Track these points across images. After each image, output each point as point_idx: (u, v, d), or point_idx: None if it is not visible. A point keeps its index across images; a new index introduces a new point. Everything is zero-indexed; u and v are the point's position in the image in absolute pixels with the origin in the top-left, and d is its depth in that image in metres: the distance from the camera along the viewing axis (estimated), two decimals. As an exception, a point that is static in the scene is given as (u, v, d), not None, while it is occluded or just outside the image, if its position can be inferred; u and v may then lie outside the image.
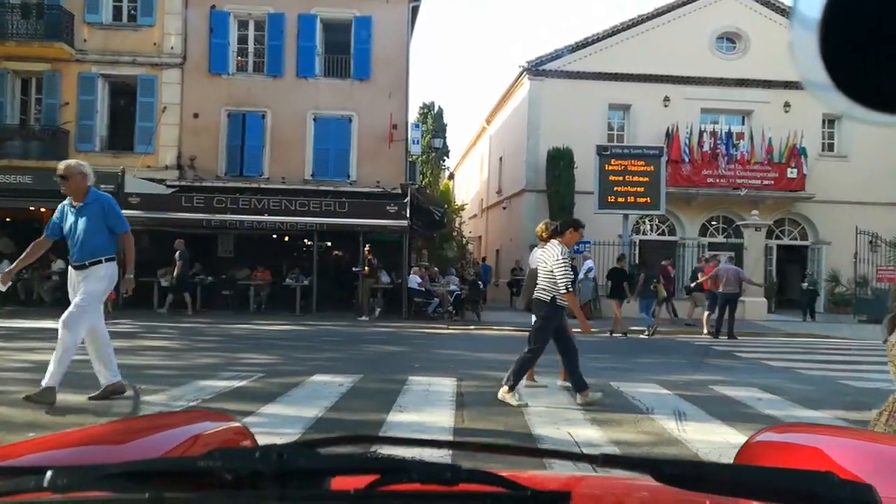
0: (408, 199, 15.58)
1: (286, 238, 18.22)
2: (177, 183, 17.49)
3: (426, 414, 5.16)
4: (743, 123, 20.98)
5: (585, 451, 4.08)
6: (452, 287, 16.53)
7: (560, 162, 19.41)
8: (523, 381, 5.98)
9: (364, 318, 14.65)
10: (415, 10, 19.00)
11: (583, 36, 21.07)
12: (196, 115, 17.95)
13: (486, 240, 30.09)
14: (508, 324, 14.44)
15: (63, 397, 5.00)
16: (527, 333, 6.24)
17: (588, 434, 4.69)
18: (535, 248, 6.61)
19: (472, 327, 13.99)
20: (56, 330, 5.03)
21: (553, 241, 5.85)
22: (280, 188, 17.47)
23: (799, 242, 21.39)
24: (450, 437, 4.40)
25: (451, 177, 40.90)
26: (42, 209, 16.85)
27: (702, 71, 20.35)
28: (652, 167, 17.33)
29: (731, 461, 1.38)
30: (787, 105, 20.00)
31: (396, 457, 0.71)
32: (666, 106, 20.38)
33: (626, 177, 17.28)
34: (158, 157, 17.89)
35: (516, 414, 5.25)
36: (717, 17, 20.68)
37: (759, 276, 16.41)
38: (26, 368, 6.61)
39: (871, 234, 19.08)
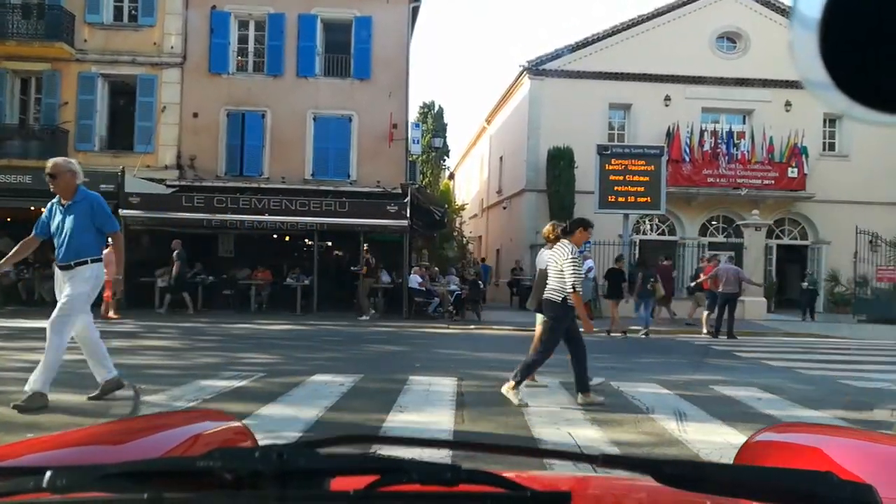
0: (408, 198, 15.57)
1: (287, 238, 18.21)
2: (177, 183, 17.49)
3: (426, 414, 5.16)
4: (744, 123, 20.97)
5: (586, 451, 4.08)
6: (453, 287, 16.53)
7: (560, 161, 19.41)
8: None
9: (365, 317, 14.65)
10: (415, 10, 18.99)
11: (583, 35, 21.08)
12: (196, 115, 17.95)
13: (486, 240, 30.09)
14: (508, 323, 14.47)
15: (62, 397, 5.00)
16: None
17: (588, 434, 4.68)
18: (542, 250, 6.62)
19: (472, 327, 13.99)
20: None
21: (563, 240, 5.86)
22: (280, 188, 17.46)
23: (799, 242, 21.39)
24: (450, 438, 4.40)
25: (452, 177, 40.89)
26: (42, 209, 16.87)
27: (702, 70, 20.35)
28: (652, 167, 17.33)
29: (731, 461, 1.37)
30: (787, 104, 20.00)
31: (396, 457, 0.71)
32: (667, 105, 20.38)
33: (627, 176, 17.27)
34: (158, 157, 17.89)
35: (516, 414, 5.24)
36: (718, 17, 20.68)
37: (758, 276, 16.41)
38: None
39: (871, 234, 19.07)
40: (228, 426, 1.37)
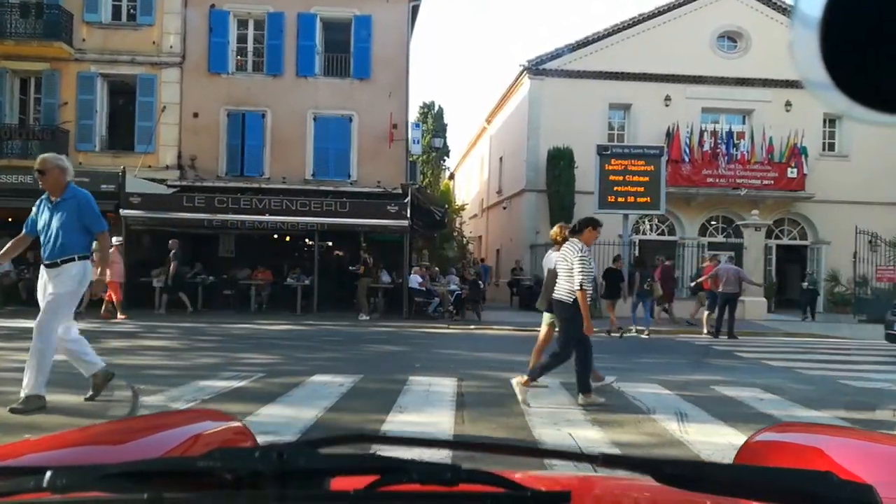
0: (408, 198, 15.56)
1: (287, 238, 18.21)
2: (177, 183, 17.48)
3: (426, 414, 5.14)
4: (744, 123, 20.96)
5: (586, 451, 4.06)
6: (453, 287, 16.51)
7: (560, 162, 19.40)
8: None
9: (365, 317, 14.64)
10: (415, 10, 18.96)
11: (583, 35, 21.06)
12: (196, 115, 17.93)
13: (486, 240, 30.08)
14: (509, 323, 14.45)
15: (60, 398, 4.98)
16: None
17: (589, 435, 4.67)
18: (550, 251, 6.62)
19: (472, 327, 13.98)
20: None
21: (572, 239, 5.88)
22: (280, 188, 17.45)
23: (799, 242, 21.37)
24: (450, 438, 4.39)
25: (452, 177, 40.88)
26: (42, 209, 16.86)
27: (703, 70, 20.33)
28: (652, 167, 17.31)
29: (731, 462, 1.38)
30: (788, 104, 19.99)
31: (396, 457, 0.71)
32: (667, 105, 20.36)
33: (627, 176, 17.25)
34: (159, 157, 17.87)
35: (517, 415, 5.23)
36: (718, 16, 20.66)
37: (758, 276, 16.39)
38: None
39: (870, 234, 19.06)
40: (228, 426, 1.37)
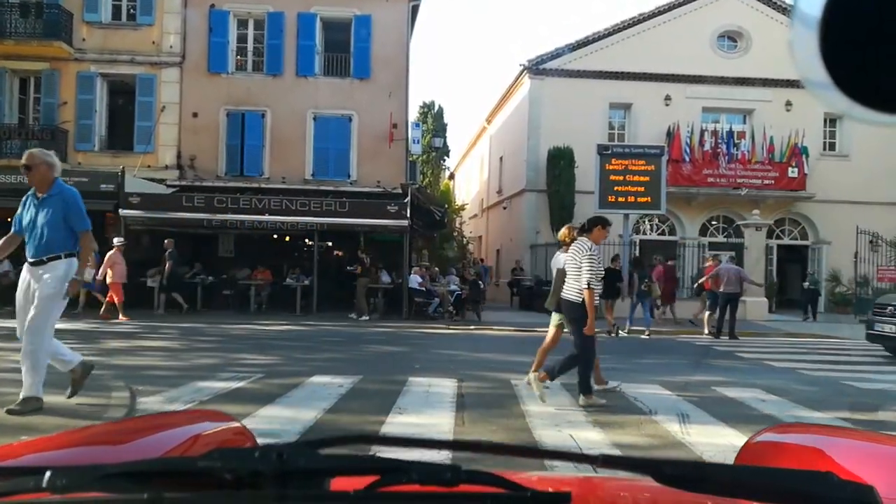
0: (408, 198, 15.53)
1: (287, 238, 18.17)
2: (177, 183, 17.44)
3: (426, 416, 5.12)
4: (744, 122, 20.93)
5: (586, 452, 4.03)
6: (453, 287, 16.48)
7: (560, 161, 19.38)
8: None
9: (364, 317, 14.62)
10: (415, 9, 18.93)
11: (583, 34, 21.12)
12: (195, 115, 17.90)
13: (486, 240, 30.05)
14: (509, 324, 14.41)
15: (57, 399, 4.93)
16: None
17: (590, 436, 4.64)
18: (558, 252, 6.63)
19: (472, 327, 13.94)
20: (55, 330, 4.92)
21: (581, 238, 5.89)
22: (280, 188, 17.42)
23: (799, 242, 21.34)
24: (450, 439, 4.36)
25: (452, 177, 40.85)
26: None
27: (703, 70, 20.31)
28: (653, 166, 17.28)
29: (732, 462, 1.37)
30: (788, 104, 19.96)
31: (396, 457, 0.71)
32: (667, 105, 20.34)
33: (627, 176, 17.22)
34: (158, 157, 17.84)
35: (517, 416, 5.21)
36: (719, 16, 20.63)
37: (759, 276, 16.35)
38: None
39: (871, 234, 19.03)
40: (228, 426, 1.36)
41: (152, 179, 16.78)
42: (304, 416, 4.91)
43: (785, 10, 19.68)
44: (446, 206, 26.24)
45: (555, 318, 6.40)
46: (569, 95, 20.23)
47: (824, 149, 20.90)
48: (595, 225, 5.91)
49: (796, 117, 19.61)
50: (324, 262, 17.10)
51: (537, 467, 2.92)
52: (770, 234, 20.04)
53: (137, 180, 15.99)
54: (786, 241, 21.26)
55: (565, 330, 6.19)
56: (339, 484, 0.73)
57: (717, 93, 20.35)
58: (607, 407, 5.61)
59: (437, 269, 18.88)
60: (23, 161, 4.77)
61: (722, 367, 8.78)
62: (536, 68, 20.86)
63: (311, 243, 16.77)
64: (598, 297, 5.73)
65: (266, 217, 15.29)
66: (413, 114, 27.10)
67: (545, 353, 6.41)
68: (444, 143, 35.12)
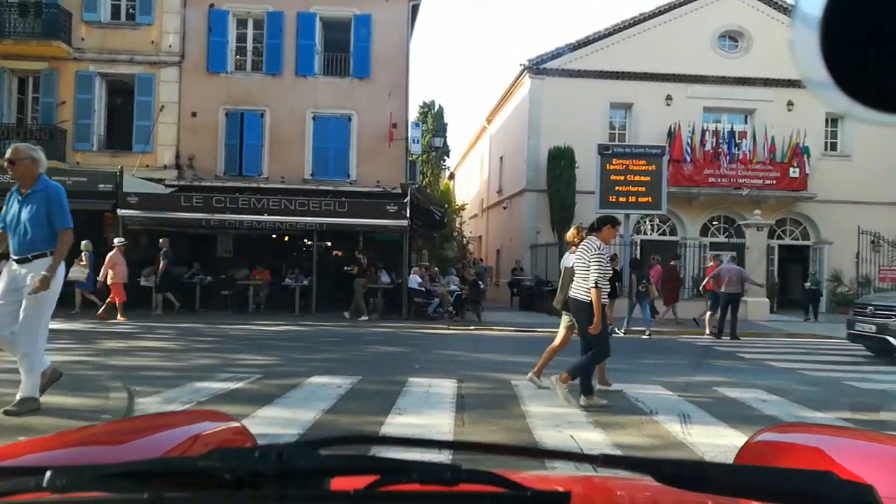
0: (408, 198, 15.48)
1: (286, 238, 18.13)
2: (175, 182, 17.39)
3: (426, 417, 5.09)
4: (745, 122, 20.89)
5: (586, 452, 4.00)
6: (453, 287, 16.44)
7: (561, 161, 19.33)
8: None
9: (364, 317, 14.59)
10: (415, 9, 18.88)
11: (583, 33, 21.14)
12: (194, 114, 17.85)
13: (486, 240, 30.01)
14: (509, 324, 14.37)
15: (55, 400, 4.90)
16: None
17: (591, 437, 4.61)
18: (567, 254, 6.62)
19: (472, 327, 13.89)
20: (52, 329, 4.87)
21: (590, 237, 5.89)
22: (279, 188, 17.36)
23: (801, 242, 21.30)
24: (450, 439, 4.32)
25: (452, 176, 40.82)
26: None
27: (704, 69, 20.26)
28: (653, 166, 17.24)
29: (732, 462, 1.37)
30: (790, 104, 19.92)
31: (396, 457, 0.71)
32: (668, 105, 20.29)
33: (628, 176, 17.18)
34: (157, 157, 17.80)
35: (518, 417, 5.17)
36: (720, 16, 20.59)
37: (760, 276, 16.30)
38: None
39: (873, 234, 18.99)
40: (228, 426, 1.36)
41: (151, 179, 16.73)
42: (302, 417, 4.88)
43: (786, 10, 19.65)
44: (446, 206, 26.20)
45: (565, 319, 6.37)
46: (569, 95, 20.19)
47: (826, 149, 20.86)
48: (605, 224, 5.91)
49: (798, 117, 19.57)
50: (323, 262, 17.06)
51: (538, 467, 2.89)
52: (771, 235, 19.99)
53: (136, 180, 15.94)
54: (787, 241, 21.21)
55: (575, 331, 6.17)
56: (339, 484, 0.72)
57: (719, 93, 20.31)
58: (608, 407, 5.57)
59: (436, 269, 18.85)
60: (7, 155, 4.66)
61: (723, 368, 8.73)
62: (537, 68, 20.82)
63: (310, 243, 16.73)
64: (605, 297, 5.69)
65: (265, 217, 15.25)
66: (413, 113, 27.07)
67: (552, 354, 6.38)
68: (444, 142, 35.07)
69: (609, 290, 5.93)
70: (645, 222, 20.69)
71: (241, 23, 18.36)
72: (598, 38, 20.66)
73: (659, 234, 20.87)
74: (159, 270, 14.19)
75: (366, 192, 17.23)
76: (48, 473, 0.65)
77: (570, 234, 6.52)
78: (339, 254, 19.61)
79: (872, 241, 19.05)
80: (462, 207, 33.40)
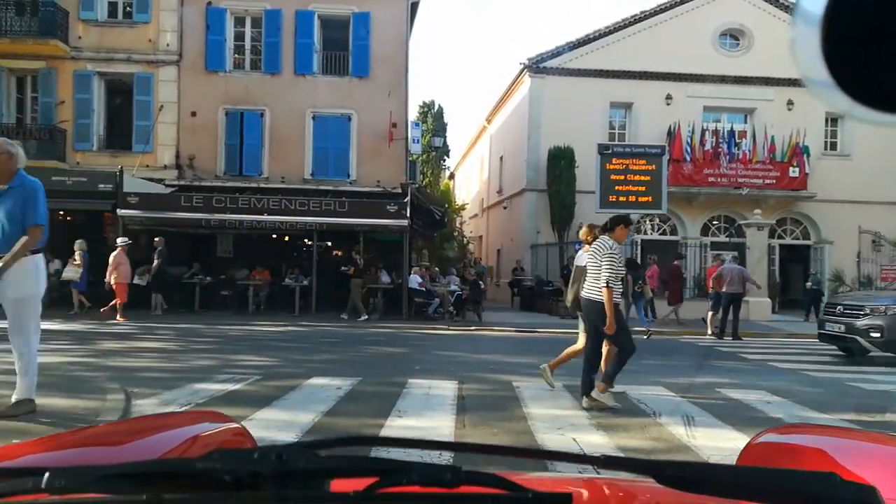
0: (408, 198, 15.45)
1: (286, 238, 18.08)
2: (175, 182, 17.33)
3: (426, 419, 5.04)
4: (746, 122, 20.82)
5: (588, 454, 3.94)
6: (453, 287, 16.39)
7: (561, 161, 19.27)
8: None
9: (363, 317, 14.56)
10: (414, 7, 18.81)
11: (583, 32, 20.91)
12: (194, 114, 17.78)
13: (486, 240, 29.96)
14: (510, 324, 14.32)
15: (51, 401, 4.86)
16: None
17: (594, 440, 4.56)
18: (580, 252, 6.66)
19: (472, 328, 13.85)
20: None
21: (602, 237, 5.86)
22: (279, 188, 17.31)
23: (801, 242, 21.24)
24: (450, 440, 4.28)
25: (452, 176, 40.77)
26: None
27: (704, 68, 20.18)
28: (653, 166, 17.17)
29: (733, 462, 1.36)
30: (790, 103, 19.84)
31: (396, 458, 0.72)
32: (668, 104, 20.22)
33: (628, 176, 17.11)
34: (157, 157, 17.73)
35: (519, 419, 5.11)
36: (720, 14, 20.51)
37: (761, 276, 16.26)
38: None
39: (873, 234, 18.93)
40: (227, 427, 1.36)
41: (151, 179, 16.68)
42: (301, 419, 4.83)
43: (787, 9, 19.59)
44: (446, 205, 26.17)
45: (582, 325, 6.33)
46: (569, 94, 20.12)
47: (826, 148, 20.79)
48: (618, 224, 5.88)
49: (798, 116, 19.50)
50: (323, 262, 17.01)
51: (539, 469, 2.85)
52: (772, 234, 19.92)
53: (136, 180, 15.89)
54: (788, 240, 21.15)
55: (583, 331, 6.16)
56: (339, 485, 0.72)
57: (719, 92, 20.22)
58: (611, 409, 5.51)
59: (437, 269, 18.81)
60: None
61: (726, 369, 8.69)
62: (537, 67, 20.75)
63: (310, 243, 16.69)
64: (618, 297, 5.67)
65: (265, 217, 15.21)
66: (413, 113, 27.03)
67: (571, 356, 6.36)
68: (444, 142, 35.01)
69: (622, 289, 5.89)
70: (645, 222, 20.61)
71: (239, 21, 18.28)
72: (598, 36, 20.59)
73: (659, 234, 20.81)
74: (152, 269, 14.12)
75: (366, 191, 17.17)
76: (47, 474, 0.65)
77: (583, 232, 6.54)
78: (340, 254, 19.55)
79: (873, 241, 19.01)
80: (462, 207, 33.35)
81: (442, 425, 4.84)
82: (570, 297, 6.43)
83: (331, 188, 17.27)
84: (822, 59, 0.56)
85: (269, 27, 17.96)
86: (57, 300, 14.13)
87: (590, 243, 6.16)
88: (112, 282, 12.89)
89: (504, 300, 22.30)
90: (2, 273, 4.34)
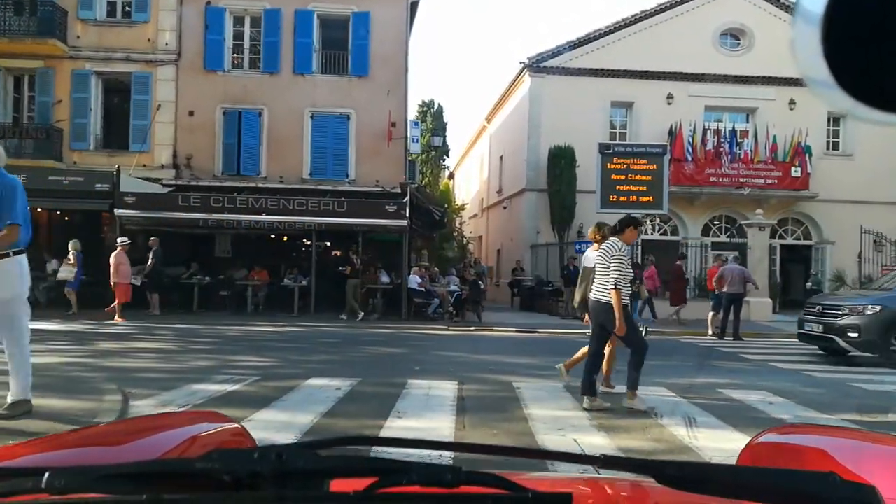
0: (407, 198, 15.41)
1: (284, 238, 18.03)
2: (173, 182, 17.26)
3: (426, 420, 5.01)
4: (747, 121, 20.79)
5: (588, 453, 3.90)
6: (453, 287, 16.35)
7: (561, 160, 19.22)
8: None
9: (360, 314, 14.54)
10: (413, 6, 18.76)
11: (582, 32, 20.97)
12: (191, 113, 17.71)
13: (486, 240, 29.92)
14: (510, 325, 14.28)
15: (47, 402, 4.83)
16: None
17: (594, 441, 4.52)
18: (588, 250, 6.68)
19: (472, 328, 13.81)
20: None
21: (612, 238, 5.84)
22: (278, 187, 17.24)
23: (802, 242, 21.20)
24: (450, 440, 4.24)
25: (451, 176, 40.74)
26: (38, 209, 16.61)
27: (705, 68, 20.13)
28: (655, 166, 17.10)
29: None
30: (792, 102, 19.78)
31: (396, 458, 0.71)
32: (669, 103, 20.17)
33: (629, 175, 17.04)
34: (154, 156, 17.66)
35: (520, 420, 5.07)
36: (721, 13, 20.48)
37: (762, 276, 16.22)
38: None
39: (875, 234, 18.89)
40: (227, 427, 1.36)
41: (148, 179, 16.60)
42: (300, 421, 4.79)
43: (788, 8, 19.54)
44: (446, 205, 26.14)
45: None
46: (570, 94, 20.08)
47: (828, 148, 20.75)
48: (627, 225, 5.85)
49: (800, 116, 19.45)
50: (322, 262, 16.95)
51: (538, 469, 2.82)
52: (773, 234, 19.86)
53: (133, 180, 15.83)
54: (789, 241, 21.11)
55: (587, 333, 6.15)
56: (339, 485, 0.72)
57: (720, 91, 20.18)
58: (611, 410, 5.48)
59: (436, 269, 18.76)
60: None
61: (727, 369, 8.65)
62: (537, 66, 20.71)
63: (308, 243, 16.64)
64: (626, 298, 5.64)
65: (263, 217, 15.16)
66: (412, 112, 26.97)
67: (585, 358, 6.30)
68: (444, 141, 34.97)
69: (630, 291, 5.86)
70: (646, 222, 20.55)
71: (239, 20, 18.23)
72: (598, 36, 20.56)
73: (660, 234, 20.76)
74: (146, 269, 14.04)
75: (365, 191, 17.12)
76: (46, 474, 0.65)
77: (591, 231, 6.57)
78: (338, 254, 19.51)
79: (875, 241, 18.96)
80: (462, 207, 33.32)
81: (442, 426, 4.80)
82: (577, 297, 6.42)
83: (329, 188, 17.22)
84: (823, 58, 0.56)
85: (269, 27, 17.91)
86: (55, 300, 14.09)
87: (598, 241, 6.16)
88: (111, 282, 12.86)
89: (504, 300, 22.25)
90: None
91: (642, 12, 20.61)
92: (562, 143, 19.28)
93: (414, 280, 15.47)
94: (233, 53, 18.26)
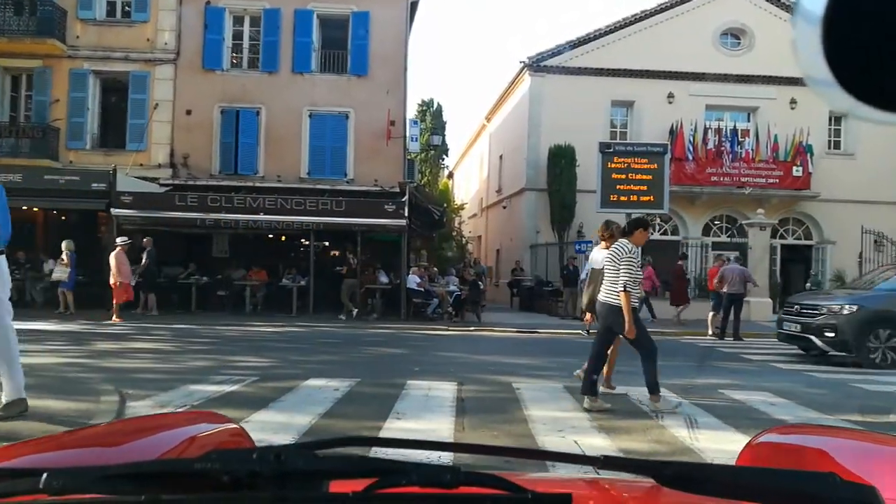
0: (406, 197, 15.37)
1: (282, 238, 17.98)
2: (170, 181, 17.17)
3: (425, 421, 4.98)
4: (748, 120, 20.75)
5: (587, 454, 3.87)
6: (452, 287, 16.31)
7: (562, 160, 19.18)
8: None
9: (353, 310, 14.51)
10: (413, 6, 18.71)
11: (582, 30, 21.01)
12: (189, 112, 17.63)
13: (485, 239, 29.88)
14: (509, 325, 14.24)
15: (43, 403, 4.79)
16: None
17: (595, 443, 4.48)
18: (594, 250, 6.69)
19: (472, 328, 13.77)
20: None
21: (622, 240, 5.80)
22: (276, 187, 17.16)
23: (803, 242, 21.17)
24: (450, 441, 4.22)
25: (451, 175, 40.71)
26: (35, 208, 16.56)
27: (706, 67, 20.09)
28: (655, 165, 17.01)
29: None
30: (793, 102, 19.72)
31: (395, 459, 0.71)
32: (670, 103, 20.12)
33: (629, 175, 16.94)
34: (151, 155, 17.57)
35: (519, 421, 5.03)
36: (722, 13, 20.44)
37: (763, 276, 16.19)
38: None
39: (876, 234, 18.85)
40: (225, 428, 1.36)
41: (145, 178, 16.52)
42: (298, 422, 4.76)
43: (788, 7, 19.50)
44: (445, 205, 26.11)
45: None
46: (570, 93, 20.03)
47: (829, 147, 20.71)
48: (637, 227, 5.81)
49: (801, 115, 19.39)
50: (320, 262, 16.89)
51: (538, 470, 2.80)
52: (774, 234, 19.82)
53: (130, 179, 15.77)
54: (790, 240, 21.08)
55: (591, 334, 6.11)
56: (338, 486, 0.73)
57: (721, 90, 20.13)
58: (612, 411, 5.45)
59: (435, 269, 18.72)
60: None
61: (728, 370, 8.60)
62: (537, 65, 20.66)
63: (307, 243, 16.58)
64: (636, 301, 5.60)
65: (261, 216, 15.13)
66: (411, 111, 26.93)
67: (609, 366, 6.30)
68: (443, 141, 34.95)
69: (640, 294, 5.81)
70: (654, 222, 20.50)
71: (238, 20, 18.17)
72: (598, 35, 20.52)
73: (661, 234, 20.70)
74: (140, 269, 13.98)
75: (363, 191, 17.06)
76: (45, 475, 0.64)
77: (600, 228, 6.62)
78: (337, 254, 19.47)
79: (876, 241, 18.91)
80: (461, 207, 33.28)
81: (441, 427, 4.77)
82: (585, 299, 6.38)
83: (328, 187, 17.16)
84: (824, 57, 0.55)
85: (268, 26, 17.85)
86: (51, 301, 14.04)
87: (605, 239, 6.16)
88: (110, 282, 12.81)
89: (503, 300, 22.22)
90: None
91: (643, 12, 20.58)
92: (562, 142, 19.24)
93: (413, 280, 15.44)
94: (232, 53, 18.20)
